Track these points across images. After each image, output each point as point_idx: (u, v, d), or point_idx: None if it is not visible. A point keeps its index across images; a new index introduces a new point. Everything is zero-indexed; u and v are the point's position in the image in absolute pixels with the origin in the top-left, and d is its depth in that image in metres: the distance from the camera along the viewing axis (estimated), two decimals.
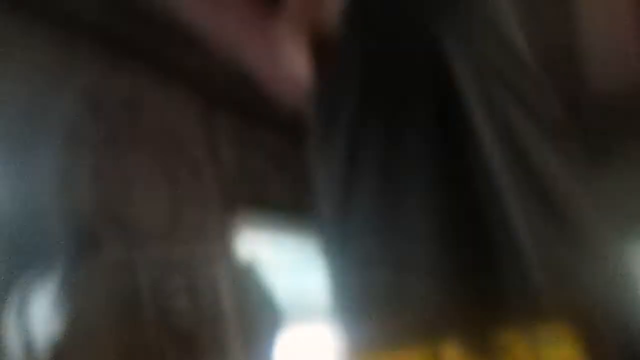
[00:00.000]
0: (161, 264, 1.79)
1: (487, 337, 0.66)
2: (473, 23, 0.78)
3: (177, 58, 2.12)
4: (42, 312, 1.30)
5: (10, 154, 1.36)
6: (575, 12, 2.23)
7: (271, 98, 2.50)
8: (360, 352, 0.72)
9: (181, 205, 1.96)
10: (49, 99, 1.52)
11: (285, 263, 2.63)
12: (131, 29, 1.95)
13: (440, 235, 0.71)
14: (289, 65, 2.29)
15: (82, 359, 1.36)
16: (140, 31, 1.97)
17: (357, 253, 0.78)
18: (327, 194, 0.83)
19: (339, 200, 0.81)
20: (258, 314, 2.08)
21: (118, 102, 1.86)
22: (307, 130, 2.89)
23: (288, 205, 2.57)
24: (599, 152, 2.24)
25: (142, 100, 1.95)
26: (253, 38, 2.15)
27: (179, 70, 2.14)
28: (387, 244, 0.75)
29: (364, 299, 0.76)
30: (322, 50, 1.14)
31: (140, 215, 1.78)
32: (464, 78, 0.73)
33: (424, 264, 0.70)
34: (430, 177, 0.73)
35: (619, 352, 0.64)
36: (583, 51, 2.46)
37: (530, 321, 0.66)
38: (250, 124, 2.48)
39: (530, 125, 0.75)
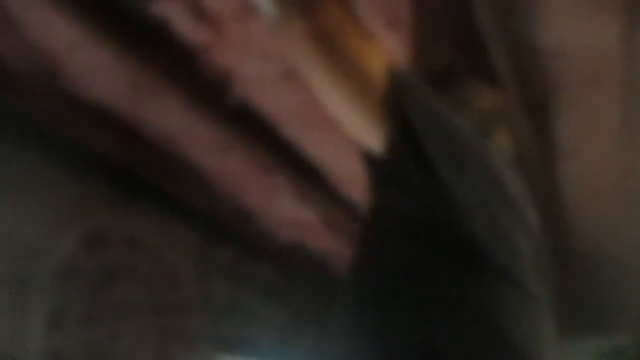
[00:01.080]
0: None
1: None
2: None
3: (180, 195, 2.21)
4: None
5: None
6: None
7: (266, 235, 2.58)
8: None
9: (168, 342, 1.95)
10: (51, 236, 1.57)
11: None
12: (137, 164, 2.06)
13: None
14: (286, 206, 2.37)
15: None
16: (146, 166, 2.08)
17: None
18: None
19: None
20: None
21: (118, 238, 1.91)
22: (298, 265, 2.91)
23: (276, 340, 2.54)
24: None
25: (142, 237, 2.00)
26: (255, 179, 2.27)
27: (180, 206, 2.22)
28: None
29: None
30: None
31: (126, 354, 1.77)
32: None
33: None
34: None
35: None
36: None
37: None
38: (244, 259, 2.52)
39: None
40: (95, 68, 1.71)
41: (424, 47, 1.59)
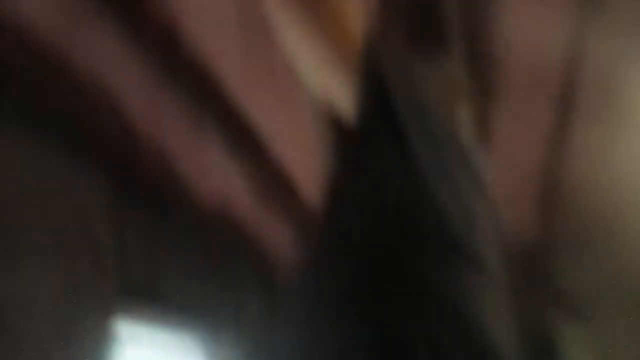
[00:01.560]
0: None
1: None
2: None
3: (98, 134, 2.06)
4: None
5: None
6: None
7: (189, 192, 2.48)
8: None
9: (74, 282, 1.83)
10: None
11: None
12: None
13: None
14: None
15: None
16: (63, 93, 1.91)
17: None
18: None
19: None
20: None
21: (25, 166, 1.75)
22: (218, 227, 2.83)
23: (184, 302, 2.46)
24: None
25: (51, 169, 1.85)
26: (185, 132, 2.16)
27: (98, 146, 2.07)
28: None
29: None
30: None
31: (27, 291, 1.64)
32: None
33: None
34: None
35: None
36: None
37: None
38: (162, 211, 2.41)
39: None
40: None
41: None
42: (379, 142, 0.75)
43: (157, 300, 2.25)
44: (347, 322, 0.71)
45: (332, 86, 0.79)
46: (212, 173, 2.37)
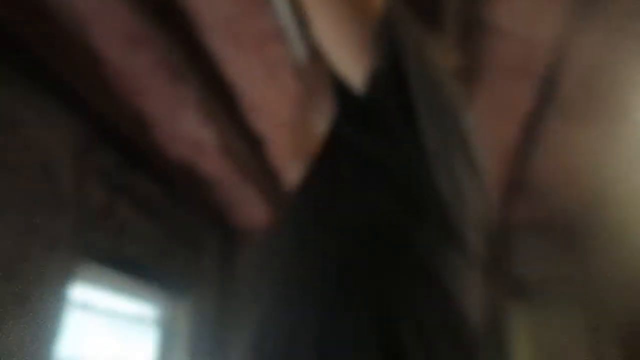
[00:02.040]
0: None
1: None
2: None
3: (71, 83, 1.95)
4: None
5: None
6: None
7: (157, 146, 2.39)
8: None
9: (31, 240, 1.73)
10: None
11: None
12: (29, 36, 1.76)
13: None
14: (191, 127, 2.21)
15: None
16: (39, 40, 1.79)
17: None
18: None
19: None
20: None
21: None
22: (183, 185, 2.76)
23: (145, 255, 2.39)
24: None
25: (19, 120, 1.74)
26: (160, 84, 2.06)
27: (69, 96, 1.96)
28: None
29: None
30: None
31: None
32: None
33: None
34: None
35: None
36: None
37: None
38: (127, 167, 2.31)
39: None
40: None
41: None
42: (389, 114, 0.73)
43: (117, 263, 2.18)
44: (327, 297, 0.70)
45: (348, 52, 0.75)
46: (184, 129, 2.28)
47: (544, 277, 2.90)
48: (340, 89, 0.78)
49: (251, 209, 2.93)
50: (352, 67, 0.74)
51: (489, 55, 1.95)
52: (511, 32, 1.84)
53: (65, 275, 1.90)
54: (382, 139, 0.74)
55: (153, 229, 2.45)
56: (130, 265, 2.26)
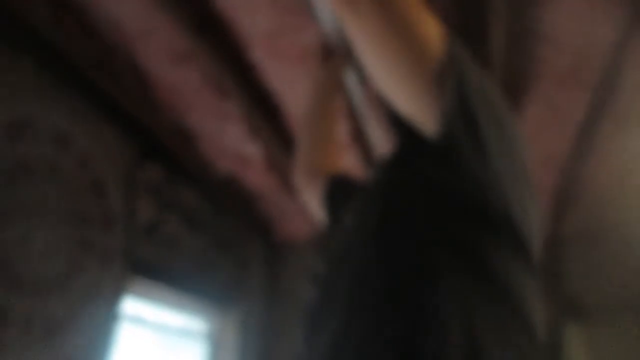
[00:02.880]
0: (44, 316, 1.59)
1: None
2: None
3: (120, 99, 1.99)
4: None
5: None
6: None
7: (203, 161, 2.42)
8: None
9: (83, 254, 1.78)
10: None
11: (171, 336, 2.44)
12: (80, 54, 1.82)
13: None
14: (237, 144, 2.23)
15: None
16: (89, 58, 1.84)
17: None
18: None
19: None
20: None
21: (44, 133, 1.69)
22: (229, 198, 2.79)
23: (194, 269, 2.42)
24: None
25: (71, 136, 1.79)
26: (206, 100, 2.09)
27: (118, 111, 2.00)
28: None
29: None
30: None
31: (36, 260, 1.59)
32: None
33: None
34: None
35: None
36: None
37: None
38: (174, 181, 2.35)
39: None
40: None
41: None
42: (463, 149, 0.74)
43: (166, 277, 2.21)
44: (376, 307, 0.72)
45: (412, 97, 0.76)
46: (230, 144, 2.30)
47: (599, 293, 2.77)
48: (404, 129, 0.80)
49: (297, 222, 2.93)
50: (417, 108, 0.76)
51: (541, 65, 1.90)
52: (562, 41, 1.78)
53: (116, 290, 1.94)
54: (456, 171, 0.75)
55: (200, 242, 2.48)
56: (179, 279, 2.29)
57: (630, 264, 2.71)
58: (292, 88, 2.03)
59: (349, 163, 2.29)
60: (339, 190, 1.13)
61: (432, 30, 0.75)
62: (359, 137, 2.12)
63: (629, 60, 1.81)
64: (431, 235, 0.74)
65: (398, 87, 0.76)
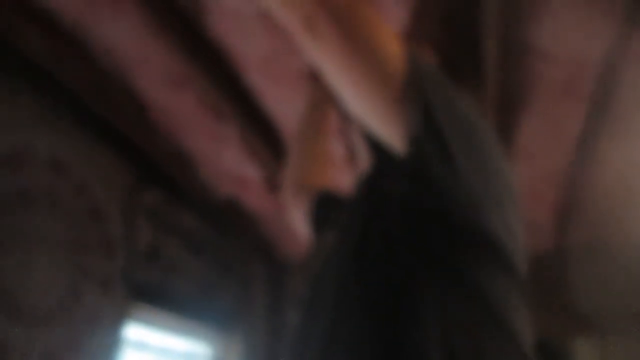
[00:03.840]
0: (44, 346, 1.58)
1: None
2: None
3: (117, 124, 2.01)
4: None
5: None
6: None
7: (202, 184, 2.43)
8: None
9: (82, 281, 1.78)
10: None
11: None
12: (76, 81, 1.83)
13: None
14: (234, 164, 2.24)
15: None
16: (85, 85, 1.86)
17: None
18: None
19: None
20: None
21: (42, 160, 1.70)
22: (229, 220, 2.78)
23: (196, 293, 2.41)
24: None
25: (68, 163, 1.80)
26: (203, 123, 2.10)
27: (116, 137, 2.01)
28: None
29: None
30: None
31: (36, 288, 1.59)
32: None
33: None
34: None
35: None
36: None
37: None
38: (173, 205, 2.35)
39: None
40: None
41: (422, 20, 1.48)
42: (432, 166, 0.73)
43: (167, 301, 2.20)
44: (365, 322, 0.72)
45: (379, 114, 0.76)
46: (228, 166, 2.31)
47: (608, 304, 2.74)
48: (377, 149, 0.80)
49: (299, 242, 2.92)
50: (386, 127, 0.76)
51: (535, 78, 1.90)
52: (556, 54, 1.79)
53: (117, 316, 1.93)
54: (428, 189, 0.75)
55: (202, 265, 2.47)
56: (181, 303, 2.28)
57: (637, 273, 2.68)
58: (289, 109, 2.04)
59: (346, 180, 2.29)
60: (325, 207, 1.13)
61: (395, 49, 0.74)
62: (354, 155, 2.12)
63: (623, 70, 1.81)
64: (408, 254, 0.73)
65: (365, 107, 0.76)
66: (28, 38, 1.65)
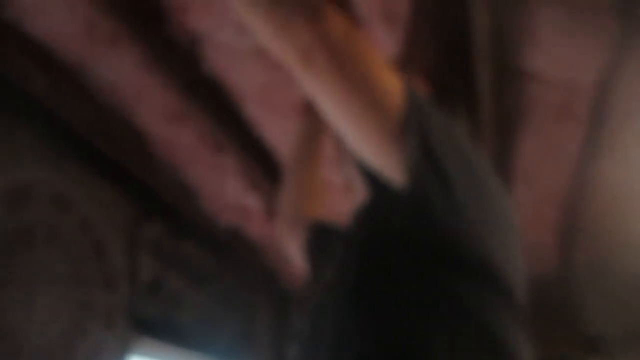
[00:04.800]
0: None
1: None
2: None
3: (118, 159, 2.03)
4: None
5: None
6: None
7: (205, 215, 2.44)
8: None
9: (85, 316, 1.78)
10: None
11: None
12: (77, 118, 1.86)
13: None
14: (236, 194, 2.25)
15: None
16: (86, 122, 1.88)
17: None
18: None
19: None
20: None
21: (44, 197, 1.72)
22: (232, 251, 2.78)
23: (200, 325, 2.40)
24: None
25: (70, 199, 1.81)
26: (203, 156, 2.12)
27: (117, 172, 2.03)
28: None
29: None
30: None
31: (39, 325, 1.59)
32: None
33: None
34: None
35: None
36: None
37: None
38: (176, 238, 2.36)
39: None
40: (49, 5, 1.51)
41: (414, 48, 1.51)
42: (429, 194, 0.74)
43: (171, 334, 2.19)
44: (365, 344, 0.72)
45: (377, 150, 0.76)
46: (229, 197, 2.32)
47: (617, 323, 2.71)
48: (374, 181, 0.80)
49: (302, 271, 2.92)
50: (383, 160, 0.76)
51: (531, 101, 1.92)
52: (550, 77, 1.81)
53: (120, 350, 1.92)
54: (427, 221, 0.75)
55: (205, 298, 2.47)
56: (185, 336, 2.27)
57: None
58: (287, 139, 2.06)
59: (344, 208, 2.30)
60: (320, 238, 1.12)
61: (391, 82, 0.75)
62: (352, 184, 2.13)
63: (617, 92, 1.82)
64: (408, 289, 0.73)
65: (362, 140, 0.76)
66: (29, 75, 1.68)
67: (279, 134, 2.04)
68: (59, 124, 1.80)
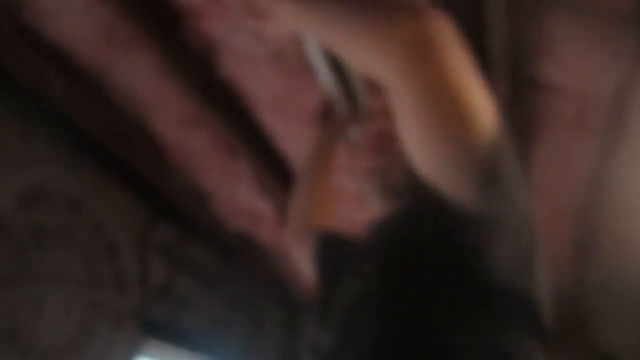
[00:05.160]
0: None
1: None
2: None
3: (132, 163, 2.04)
4: None
5: None
6: None
7: (216, 220, 2.44)
8: None
9: (95, 317, 1.79)
10: None
11: None
12: (93, 122, 1.88)
13: None
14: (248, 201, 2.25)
15: None
16: (101, 125, 1.90)
17: None
18: None
19: None
20: None
21: (58, 199, 1.73)
22: (242, 255, 2.77)
23: (209, 329, 2.41)
24: None
25: (84, 201, 1.83)
26: (217, 161, 2.13)
27: (131, 175, 2.05)
28: None
29: None
30: None
31: (49, 324, 1.60)
32: None
33: None
34: None
35: None
36: None
37: None
38: (187, 241, 2.37)
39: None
40: (66, 9, 1.53)
41: None
42: (493, 229, 0.72)
43: (180, 338, 2.20)
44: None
45: (443, 165, 0.73)
46: (241, 202, 2.33)
47: (630, 342, 2.67)
48: (425, 193, 0.76)
49: (311, 278, 2.91)
50: (452, 178, 0.72)
51: (546, 112, 1.90)
52: (565, 87, 1.79)
53: (129, 351, 1.93)
54: (483, 247, 0.73)
55: (215, 302, 2.47)
56: (193, 339, 2.28)
57: None
58: (300, 146, 2.06)
59: (355, 219, 2.29)
60: (330, 247, 1.11)
61: (483, 107, 0.73)
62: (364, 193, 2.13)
63: (634, 101, 1.80)
64: (442, 318, 0.72)
65: (437, 154, 0.73)
66: (45, 79, 1.71)
67: (292, 140, 2.04)
68: (74, 127, 1.82)
